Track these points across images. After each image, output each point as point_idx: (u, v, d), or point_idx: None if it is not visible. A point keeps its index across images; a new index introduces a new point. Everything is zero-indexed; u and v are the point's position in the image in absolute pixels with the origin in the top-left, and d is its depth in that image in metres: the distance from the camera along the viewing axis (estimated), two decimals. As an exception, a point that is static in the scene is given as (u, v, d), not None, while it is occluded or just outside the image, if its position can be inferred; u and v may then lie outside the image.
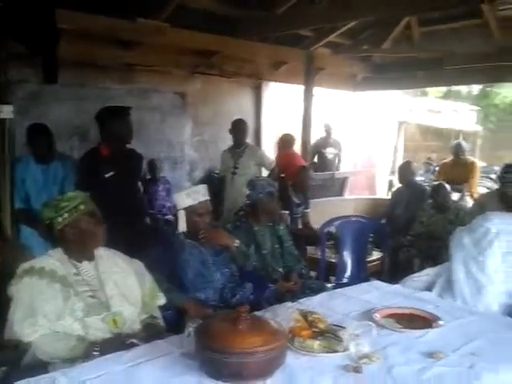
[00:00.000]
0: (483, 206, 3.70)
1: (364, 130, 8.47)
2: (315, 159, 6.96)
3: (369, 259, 4.21)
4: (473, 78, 6.30)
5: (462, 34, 5.34)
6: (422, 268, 3.59)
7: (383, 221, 4.88)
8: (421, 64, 5.91)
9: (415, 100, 10.19)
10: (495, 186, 5.23)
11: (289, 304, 1.94)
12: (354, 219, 3.85)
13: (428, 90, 11.50)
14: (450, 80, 6.43)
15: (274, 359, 1.47)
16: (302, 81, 5.90)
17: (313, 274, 3.74)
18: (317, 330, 1.76)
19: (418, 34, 5.61)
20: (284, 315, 1.80)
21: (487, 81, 8.21)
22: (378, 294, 2.36)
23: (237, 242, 2.68)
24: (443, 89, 11.67)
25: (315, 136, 7.01)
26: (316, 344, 1.68)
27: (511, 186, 2.89)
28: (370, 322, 1.75)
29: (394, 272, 4.22)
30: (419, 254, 4.34)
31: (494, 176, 8.27)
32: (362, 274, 3.63)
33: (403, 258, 4.37)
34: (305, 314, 1.83)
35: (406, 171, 4.83)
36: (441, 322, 1.92)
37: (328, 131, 7.09)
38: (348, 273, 3.64)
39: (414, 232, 4.38)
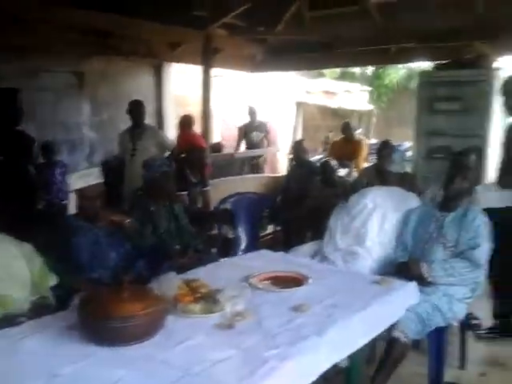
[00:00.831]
0: (363, 179, 4.08)
1: (264, 110, 8.75)
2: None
3: (264, 233, 4.48)
4: (362, 60, 6.70)
5: (349, 19, 5.68)
6: (313, 239, 3.89)
7: (280, 196, 5.18)
8: (313, 46, 6.22)
9: (312, 81, 10.66)
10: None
11: (172, 274, 2.08)
12: (248, 196, 4.07)
13: (324, 71, 12.04)
14: (340, 62, 6.85)
15: (153, 322, 1.62)
16: (199, 61, 5.99)
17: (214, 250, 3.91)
18: (199, 295, 1.93)
19: (309, 17, 5.88)
20: (169, 284, 1.94)
21: (374, 63, 8.79)
22: (262, 261, 2.58)
23: (129, 220, 2.77)
24: (338, 70, 12.30)
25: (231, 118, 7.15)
26: (197, 307, 1.85)
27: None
28: (245, 284, 1.96)
29: (288, 244, 4.52)
30: (311, 227, 4.67)
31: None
32: (256, 247, 3.86)
33: (296, 231, 4.68)
34: (188, 282, 2.00)
35: (298, 150, 5.14)
36: (310, 281, 2.17)
37: (252, 114, 7.29)
38: (243, 247, 3.85)
39: (306, 206, 4.69)
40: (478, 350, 3.42)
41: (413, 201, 3.29)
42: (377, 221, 3.13)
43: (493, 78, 4.43)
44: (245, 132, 7.38)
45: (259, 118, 7.46)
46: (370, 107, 11.94)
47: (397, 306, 2.17)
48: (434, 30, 5.04)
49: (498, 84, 4.54)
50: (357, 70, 12.80)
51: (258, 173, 7.03)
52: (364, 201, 3.25)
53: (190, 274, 2.28)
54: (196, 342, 1.63)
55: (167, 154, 5.12)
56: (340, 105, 10.96)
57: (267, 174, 7.32)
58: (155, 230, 3.22)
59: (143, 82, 7.18)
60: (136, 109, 4.77)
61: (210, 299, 1.89)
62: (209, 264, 2.61)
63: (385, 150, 4.05)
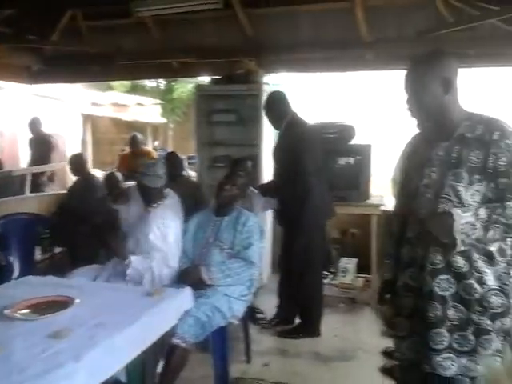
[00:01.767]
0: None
1: (50, 123, 8.17)
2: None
3: (47, 256, 4.13)
4: (145, 73, 6.69)
5: (128, 31, 5.63)
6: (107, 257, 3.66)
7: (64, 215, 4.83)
8: (94, 58, 6.00)
9: (100, 94, 10.32)
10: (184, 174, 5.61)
11: None
12: (20, 217, 3.70)
13: (113, 84, 11.80)
14: (124, 75, 6.72)
15: None
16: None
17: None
18: None
19: (86, 27, 5.67)
20: None
21: (158, 77, 8.93)
22: (26, 288, 2.34)
23: None
24: (128, 83, 12.16)
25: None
26: None
27: (146, 179, 3.09)
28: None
29: (75, 265, 4.22)
30: (101, 245, 4.43)
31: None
32: (34, 273, 3.52)
33: (83, 250, 4.41)
34: None
35: (76, 163, 4.86)
36: (77, 302, 2.04)
37: (34, 126, 6.56)
38: (17, 274, 3.48)
39: (90, 223, 4.46)
40: (263, 341, 3.69)
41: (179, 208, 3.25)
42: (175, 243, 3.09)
43: (262, 92, 4.85)
44: (32, 146, 6.73)
45: (44, 130, 6.86)
46: (162, 120, 12.09)
47: (170, 314, 2.19)
48: (207, 46, 5.32)
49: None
50: (148, 83, 12.84)
51: (44, 190, 6.48)
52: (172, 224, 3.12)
53: None
54: None
55: None
56: (134, 118, 10.84)
57: (55, 191, 6.80)
58: None
59: None
60: None
61: None
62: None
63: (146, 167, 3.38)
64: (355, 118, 5.58)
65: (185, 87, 12.33)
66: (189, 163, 8.66)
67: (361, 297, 4.49)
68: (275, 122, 3.84)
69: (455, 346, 1.74)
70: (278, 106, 3.76)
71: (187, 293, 2.34)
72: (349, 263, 4.68)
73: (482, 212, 1.64)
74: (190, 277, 2.86)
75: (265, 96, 4.86)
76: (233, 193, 3.16)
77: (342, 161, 4.60)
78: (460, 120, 1.77)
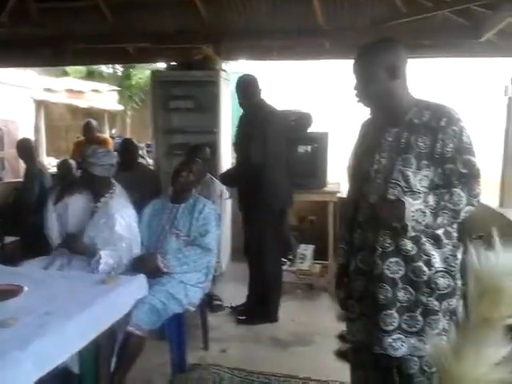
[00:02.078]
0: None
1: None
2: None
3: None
4: (101, 58, 6.50)
5: (81, 14, 5.43)
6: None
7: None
8: (45, 42, 5.77)
9: (54, 80, 9.97)
10: (141, 162, 5.49)
11: None
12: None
13: (68, 70, 11.42)
14: (77, 60, 6.47)
15: None
16: None
17: None
18: None
19: (36, 9, 5.44)
20: None
21: (114, 62, 8.71)
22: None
23: None
24: (84, 69, 11.80)
25: None
26: None
27: (95, 169, 2.95)
28: None
29: (31, 254, 4.07)
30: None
31: (141, 152, 8.81)
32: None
33: (38, 241, 4.27)
34: None
35: (22, 149, 4.65)
36: (25, 290, 1.98)
37: None
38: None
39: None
40: (220, 328, 3.70)
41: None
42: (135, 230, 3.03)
43: (220, 79, 4.80)
44: None
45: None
46: (119, 107, 11.82)
47: (123, 302, 2.15)
48: (164, 31, 5.20)
49: (225, 85, 4.98)
50: (104, 69, 12.50)
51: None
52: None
53: None
54: None
55: None
56: (90, 104, 10.54)
57: (7, 179, 6.58)
58: None
59: None
60: None
61: None
62: None
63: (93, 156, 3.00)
64: (312, 105, 5.61)
65: (143, 73, 12.05)
66: (147, 151, 8.52)
67: (318, 283, 4.56)
68: (243, 103, 3.83)
69: (404, 326, 1.79)
70: (247, 88, 3.76)
71: (141, 280, 2.31)
72: (306, 250, 4.73)
73: (431, 199, 1.69)
74: (145, 265, 2.81)
75: (222, 83, 4.85)
76: (189, 179, 3.13)
77: (300, 148, 4.62)
78: (409, 106, 1.81)
